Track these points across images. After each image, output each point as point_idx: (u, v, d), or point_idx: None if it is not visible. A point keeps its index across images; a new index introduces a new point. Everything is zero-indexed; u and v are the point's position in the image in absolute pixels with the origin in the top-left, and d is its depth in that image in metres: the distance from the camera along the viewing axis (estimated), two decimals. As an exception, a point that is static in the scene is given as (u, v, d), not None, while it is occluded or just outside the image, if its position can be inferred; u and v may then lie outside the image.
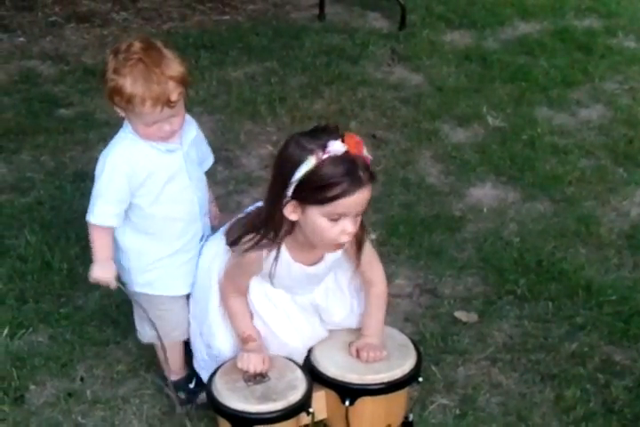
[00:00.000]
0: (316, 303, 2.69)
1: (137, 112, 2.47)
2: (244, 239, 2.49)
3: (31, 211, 3.88)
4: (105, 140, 2.77)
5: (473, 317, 3.32)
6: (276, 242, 2.45)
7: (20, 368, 3.02)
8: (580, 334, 3.23)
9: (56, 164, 4.28)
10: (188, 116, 2.68)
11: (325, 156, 2.26)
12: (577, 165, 4.37)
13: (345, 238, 2.38)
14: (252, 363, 2.58)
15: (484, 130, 4.71)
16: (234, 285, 2.61)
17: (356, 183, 2.29)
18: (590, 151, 4.50)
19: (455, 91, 5.12)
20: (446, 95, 5.06)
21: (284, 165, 2.34)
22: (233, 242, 2.55)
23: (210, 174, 2.88)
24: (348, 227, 2.35)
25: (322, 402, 2.66)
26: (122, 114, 2.55)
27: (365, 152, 2.34)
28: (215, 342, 2.71)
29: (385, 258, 3.50)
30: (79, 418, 2.84)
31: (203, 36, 5.78)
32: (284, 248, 2.49)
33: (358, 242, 2.55)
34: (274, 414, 2.50)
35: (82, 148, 4.40)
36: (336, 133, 2.31)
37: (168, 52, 2.51)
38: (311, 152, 2.27)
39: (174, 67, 2.47)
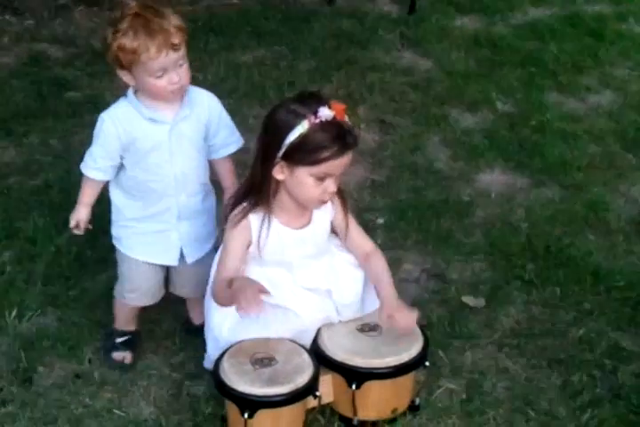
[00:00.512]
0: (324, 290, 2.70)
1: (143, 61, 2.53)
2: (235, 211, 2.59)
3: (40, 194, 3.89)
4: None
5: (480, 302, 3.32)
6: (265, 204, 2.55)
7: (28, 350, 3.03)
8: (588, 320, 3.23)
9: (65, 147, 4.28)
10: (204, 94, 2.78)
11: (317, 121, 2.41)
12: (586, 150, 4.36)
13: (326, 197, 2.56)
14: (248, 297, 2.43)
15: (493, 115, 4.70)
16: (224, 270, 2.60)
17: (344, 147, 2.47)
18: (600, 137, 4.49)
19: (464, 76, 5.10)
20: (455, 80, 5.05)
21: (275, 128, 2.47)
22: (225, 219, 2.64)
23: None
24: (331, 186, 2.53)
25: (328, 386, 2.67)
26: (131, 82, 2.62)
27: (347, 118, 2.49)
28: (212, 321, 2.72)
29: (393, 243, 3.53)
30: (87, 400, 2.85)
31: (212, 20, 5.76)
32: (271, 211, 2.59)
33: (342, 200, 2.70)
34: (280, 398, 2.50)
35: (90, 131, 4.33)
36: (323, 100, 2.47)
37: (165, 9, 2.59)
38: (304, 117, 2.42)
39: (173, 18, 2.57)
